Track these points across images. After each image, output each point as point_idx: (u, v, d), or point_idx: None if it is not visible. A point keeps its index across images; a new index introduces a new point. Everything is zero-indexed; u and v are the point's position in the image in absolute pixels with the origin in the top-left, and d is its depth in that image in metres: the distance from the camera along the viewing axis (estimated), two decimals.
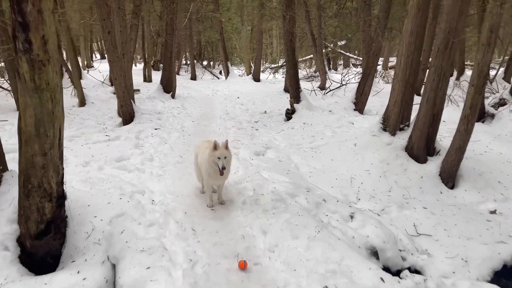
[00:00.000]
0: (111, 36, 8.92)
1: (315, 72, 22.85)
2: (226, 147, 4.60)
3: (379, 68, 20.76)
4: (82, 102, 11.93)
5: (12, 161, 4.22)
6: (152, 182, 5.70)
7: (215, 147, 4.53)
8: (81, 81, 15.13)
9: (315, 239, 3.84)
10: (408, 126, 6.81)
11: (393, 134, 6.88)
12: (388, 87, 9.42)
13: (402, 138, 6.62)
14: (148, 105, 12.47)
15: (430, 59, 6.21)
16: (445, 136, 7.16)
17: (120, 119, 9.86)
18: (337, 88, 15.96)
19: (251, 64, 26.26)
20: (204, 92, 17.96)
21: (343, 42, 23.20)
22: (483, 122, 8.26)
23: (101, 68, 21.06)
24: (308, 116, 10.05)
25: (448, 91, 6.74)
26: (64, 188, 3.74)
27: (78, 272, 3.36)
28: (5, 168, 4.29)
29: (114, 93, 10.57)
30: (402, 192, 5.70)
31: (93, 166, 6.19)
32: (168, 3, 14.14)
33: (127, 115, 9.62)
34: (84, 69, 21.91)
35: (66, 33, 12.44)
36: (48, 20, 2.98)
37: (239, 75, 25.81)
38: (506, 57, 15.71)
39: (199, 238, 4.10)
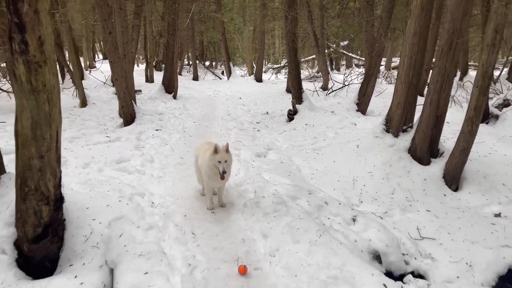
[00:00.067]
0: (112, 36, 8.88)
1: (317, 72, 22.77)
2: (227, 151, 4.54)
3: (382, 68, 20.69)
4: (84, 103, 11.90)
5: (13, 162, 4.17)
6: (152, 184, 5.65)
7: (216, 150, 4.47)
8: (83, 81, 15.14)
9: (317, 243, 3.77)
10: (411, 127, 6.74)
11: (396, 135, 6.81)
12: (391, 88, 9.36)
13: (405, 139, 6.55)
14: (150, 105, 12.43)
15: (434, 59, 6.14)
16: (448, 137, 7.08)
17: (121, 120, 9.82)
18: (339, 88, 15.88)
19: (253, 65, 26.18)
20: (206, 92, 17.92)
21: (345, 43, 23.14)
22: (487, 123, 8.16)
23: (103, 68, 21.09)
24: (310, 117, 9.98)
25: (452, 92, 6.66)
26: (62, 191, 3.69)
27: (76, 277, 3.31)
28: (3, 171, 4.25)
29: (116, 94, 10.54)
30: (405, 194, 5.62)
31: (93, 168, 6.14)
32: (170, 4, 14.09)
33: (128, 116, 9.58)
34: (86, 70, 21.94)
35: (68, 34, 12.41)
36: (44, 21, 2.92)
37: (241, 76, 25.78)
38: (510, 58, 15.60)
39: (198, 241, 4.04)
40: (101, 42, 34.89)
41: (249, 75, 25.32)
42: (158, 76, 19.94)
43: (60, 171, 3.53)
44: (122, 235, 3.88)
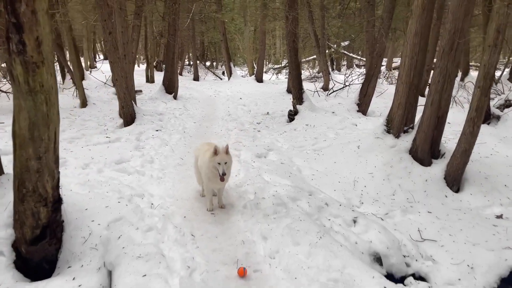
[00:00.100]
0: (112, 37, 8.86)
1: (318, 73, 22.74)
2: (227, 152, 4.51)
3: (383, 69, 20.63)
4: (84, 103, 11.88)
5: (12, 163, 4.15)
6: (152, 185, 5.63)
7: (215, 152, 4.44)
8: (84, 82, 15.13)
9: (317, 245, 3.74)
10: (412, 128, 6.71)
11: (397, 136, 6.77)
12: (392, 88, 9.32)
13: (406, 140, 6.51)
14: (150, 106, 12.41)
15: (435, 60, 6.11)
16: (450, 138, 7.04)
17: (121, 120, 9.79)
18: (340, 89, 15.84)
19: (254, 65, 26.16)
20: (206, 93, 17.89)
21: (346, 43, 23.10)
22: (488, 124, 8.12)
23: (104, 68, 21.07)
24: (310, 118, 9.95)
25: (453, 92, 6.63)
26: (60, 192, 3.66)
27: (74, 279, 3.29)
28: (1, 171, 4.22)
29: (116, 94, 10.52)
30: (406, 195, 5.59)
31: (92, 169, 6.12)
32: (170, 4, 14.07)
33: (128, 116, 9.56)
34: (87, 70, 21.92)
35: (68, 34, 12.39)
36: (42, 21, 2.90)
37: (242, 76, 25.75)
38: None
39: (198, 243, 4.01)
40: (102, 42, 34.92)
41: (250, 76, 25.29)
42: (159, 76, 19.92)
43: (58, 172, 3.50)
44: (121, 236, 3.85)
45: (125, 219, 4.24)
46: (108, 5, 8.62)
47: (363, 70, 21.23)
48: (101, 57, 38.27)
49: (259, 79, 22.30)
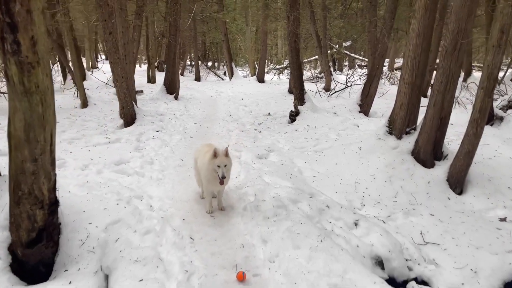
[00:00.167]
0: (113, 37, 8.82)
1: (320, 73, 22.67)
2: (226, 155, 4.45)
3: (385, 69, 20.56)
4: (84, 104, 11.85)
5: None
6: (151, 186, 5.57)
7: (215, 154, 4.38)
8: (85, 82, 15.12)
9: (317, 249, 3.68)
10: (414, 129, 6.63)
11: (399, 137, 6.70)
12: (394, 89, 9.25)
13: (409, 141, 6.44)
14: (151, 106, 12.36)
15: (438, 60, 6.04)
16: (452, 139, 6.97)
17: (121, 121, 9.75)
18: (342, 89, 15.75)
19: (256, 65, 26.11)
20: (207, 93, 17.85)
21: (348, 43, 23.04)
22: (491, 125, 8.04)
23: (105, 68, 21.04)
24: (312, 118, 9.88)
25: (456, 93, 6.56)
26: (58, 194, 3.61)
27: (70, 283, 3.25)
28: None
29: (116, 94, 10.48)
30: (408, 198, 5.52)
31: (91, 170, 6.07)
32: (171, 4, 14.03)
33: (128, 117, 9.51)
34: (88, 70, 21.92)
35: (69, 34, 12.35)
36: (37, 20, 2.85)
37: (243, 76, 25.68)
38: None
39: (196, 247, 3.95)
40: (103, 42, 34.91)
41: (251, 76, 25.23)
42: (160, 76, 19.90)
43: (55, 174, 3.45)
44: (119, 239, 3.80)
45: (123, 221, 4.19)
46: (108, 5, 8.58)
47: (365, 70, 21.18)
48: (103, 57, 38.31)
49: (261, 80, 22.24)
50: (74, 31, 15.91)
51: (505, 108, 8.67)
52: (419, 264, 4.07)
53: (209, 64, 36.27)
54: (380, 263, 3.96)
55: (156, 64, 25.03)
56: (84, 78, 16.25)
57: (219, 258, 3.79)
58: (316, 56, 23.18)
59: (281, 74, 26.46)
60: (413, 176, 5.89)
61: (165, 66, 17.00)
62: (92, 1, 16.62)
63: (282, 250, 3.79)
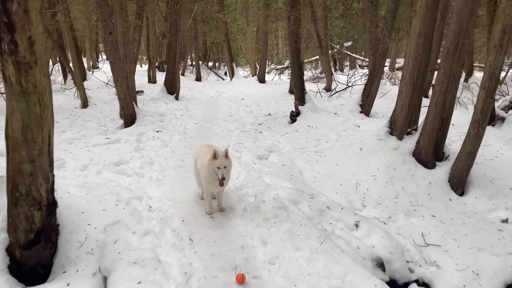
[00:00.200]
0: (113, 37, 8.79)
1: (320, 73, 22.64)
2: (226, 156, 4.41)
3: (386, 69, 20.51)
4: (85, 104, 11.83)
5: None
6: (151, 187, 5.54)
7: (215, 155, 4.34)
8: (86, 82, 15.11)
9: (318, 251, 3.64)
10: (415, 130, 6.60)
11: (400, 138, 6.67)
12: (395, 89, 9.21)
13: (410, 142, 6.41)
14: (151, 106, 12.34)
15: (439, 60, 6.00)
16: (454, 140, 6.93)
17: (122, 121, 9.72)
18: (343, 90, 15.72)
19: (256, 65, 26.08)
20: (208, 93, 17.82)
21: (349, 43, 22.97)
22: (493, 125, 8.00)
23: (106, 69, 21.03)
24: (313, 119, 9.85)
25: (457, 93, 6.52)
26: (56, 196, 3.58)
27: (68, 285, 3.22)
28: None
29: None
30: (409, 199, 5.48)
31: (91, 170, 6.04)
32: (172, 4, 14.00)
33: (128, 117, 9.48)
34: (89, 70, 21.91)
35: (69, 34, 12.34)
36: (35, 20, 2.83)
37: (244, 76, 25.65)
38: None
39: (196, 248, 3.92)
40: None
41: (252, 76, 25.20)
42: (161, 77, 19.87)
43: (53, 175, 3.42)
44: (117, 241, 3.77)
45: (122, 222, 4.16)
46: (108, 5, 8.55)
47: (366, 70, 21.13)
48: (104, 57, 38.30)
49: (262, 80, 22.21)
50: (74, 31, 15.87)
51: (506, 108, 8.63)
52: (420, 266, 4.04)
53: (210, 64, 36.24)
54: (381, 265, 3.93)
55: (157, 64, 25.02)
56: (84, 78, 16.23)
57: (218, 260, 3.76)
58: (317, 56, 23.15)
59: (282, 74, 26.42)
60: (414, 177, 5.85)
61: (166, 66, 16.97)
62: (93, 1, 16.62)
63: (282, 251, 3.75)
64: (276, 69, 28.25)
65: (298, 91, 10.74)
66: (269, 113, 12.05)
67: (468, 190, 5.61)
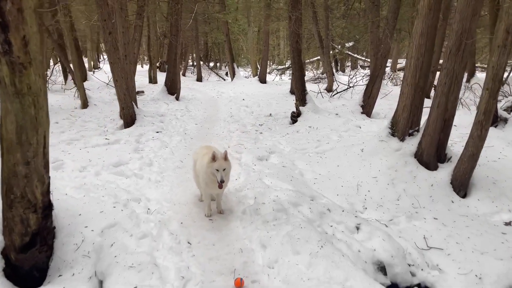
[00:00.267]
0: (112, 37, 8.74)
1: (322, 74, 22.56)
2: (225, 158, 4.35)
3: (388, 70, 20.43)
4: (85, 104, 11.78)
5: None
6: (150, 189, 5.48)
7: (214, 158, 4.28)
8: (86, 82, 15.08)
9: (318, 255, 3.58)
10: (417, 131, 6.53)
11: (402, 139, 6.60)
12: (397, 90, 9.16)
13: (411, 144, 6.34)
14: (151, 107, 12.28)
15: (441, 61, 5.93)
16: (456, 141, 6.86)
17: (121, 122, 9.66)
18: (344, 90, 15.66)
19: (258, 66, 26.03)
20: (209, 94, 17.77)
21: (350, 44, 22.88)
22: (495, 126, 7.93)
23: (107, 69, 21.00)
24: (314, 119, 9.79)
25: (459, 94, 6.45)
26: (51, 198, 3.52)
27: None
28: None
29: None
30: (411, 201, 5.41)
31: (89, 171, 5.98)
32: (173, 4, 13.95)
33: (128, 118, 9.43)
34: (90, 71, 21.88)
35: (69, 34, 12.29)
36: (29, 20, 2.77)
37: (245, 77, 25.58)
38: None
39: (194, 251, 3.85)
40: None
41: (253, 76, 25.13)
42: (162, 77, 19.83)
43: (49, 178, 3.37)
44: (114, 244, 3.71)
45: (119, 225, 4.10)
46: (108, 5, 8.50)
47: (367, 71, 21.03)
48: (105, 57, 38.28)
49: (263, 80, 22.14)
50: (75, 31, 15.85)
51: (509, 109, 8.55)
52: (422, 269, 3.97)
53: (211, 64, 36.19)
54: (382, 268, 3.87)
55: (158, 64, 24.98)
56: (85, 79, 16.21)
57: (216, 264, 3.69)
58: (318, 57, 23.06)
59: (283, 75, 26.34)
60: (416, 179, 5.79)
61: (167, 66, 16.92)
62: (93, 1, 16.59)
63: (282, 255, 3.69)
64: (277, 70, 28.17)
65: (299, 91, 10.69)
66: (270, 114, 11.99)
67: (471, 192, 5.53)
